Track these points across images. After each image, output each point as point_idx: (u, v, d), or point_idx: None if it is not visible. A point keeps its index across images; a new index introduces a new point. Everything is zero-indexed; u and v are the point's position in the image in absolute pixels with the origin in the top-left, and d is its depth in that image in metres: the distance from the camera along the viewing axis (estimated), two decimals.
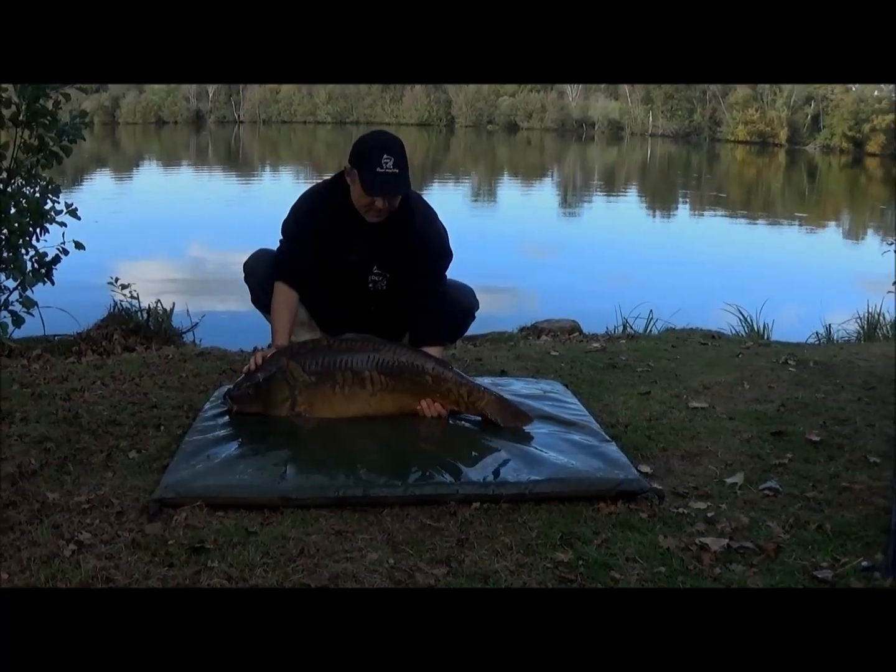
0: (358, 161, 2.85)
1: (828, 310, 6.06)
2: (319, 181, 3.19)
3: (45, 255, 3.10)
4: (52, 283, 3.11)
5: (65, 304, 4.62)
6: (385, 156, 2.78)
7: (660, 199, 21.64)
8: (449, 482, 2.34)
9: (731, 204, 19.97)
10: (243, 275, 3.17)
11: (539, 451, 2.55)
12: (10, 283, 3.03)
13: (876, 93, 48.53)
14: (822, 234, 15.91)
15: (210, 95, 63.34)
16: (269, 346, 3.00)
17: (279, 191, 18.30)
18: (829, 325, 5.59)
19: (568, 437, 2.67)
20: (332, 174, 3.11)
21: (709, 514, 2.26)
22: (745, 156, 43.70)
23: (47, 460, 2.49)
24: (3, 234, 2.95)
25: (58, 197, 3.13)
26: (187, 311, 5.07)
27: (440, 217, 3.07)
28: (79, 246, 3.14)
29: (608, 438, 2.68)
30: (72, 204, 3.16)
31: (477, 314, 3.26)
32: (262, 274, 3.07)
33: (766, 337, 5.29)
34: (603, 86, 58.84)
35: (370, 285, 3.01)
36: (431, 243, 3.01)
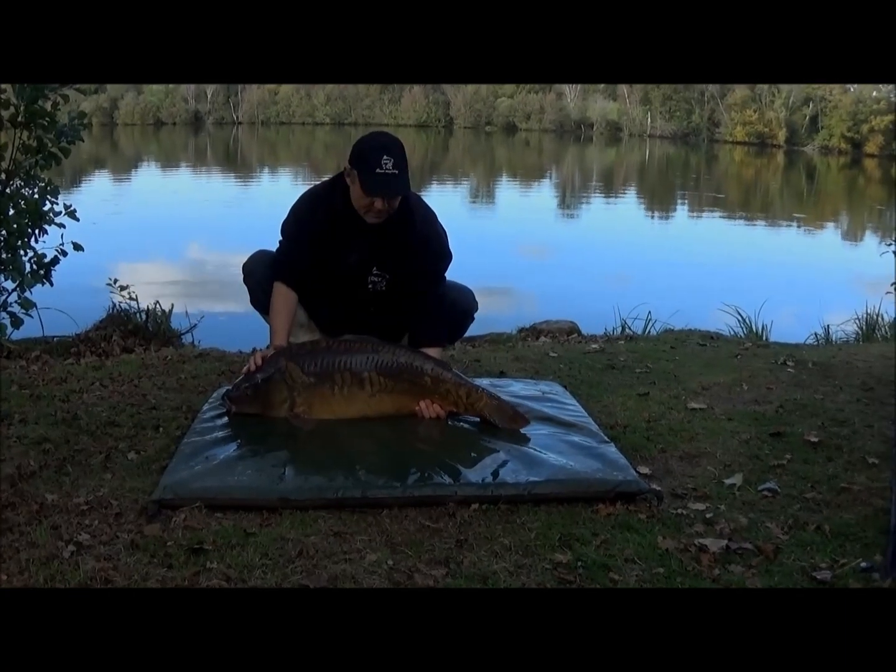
0: (357, 162, 2.85)
1: (826, 311, 6.06)
2: (318, 182, 3.19)
3: (44, 256, 3.09)
4: (51, 285, 3.10)
5: (63, 306, 4.62)
6: (385, 156, 2.78)
7: (658, 200, 21.66)
8: (448, 483, 2.34)
9: (729, 205, 19.99)
10: (242, 276, 3.17)
11: (538, 452, 2.55)
12: (9, 285, 3.03)
13: (874, 93, 48.63)
14: (821, 234, 15.93)
15: (208, 97, 63.36)
16: (268, 347, 3.00)
17: (278, 192, 18.33)
18: (828, 325, 5.60)
19: (567, 439, 2.67)
20: (331, 175, 3.11)
21: (707, 516, 2.26)
22: (743, 157, 43.75)
23: (46, 462, 2.49)
24: (2, 236, 2.94)
25: (56, 198, 3.12)
26: (186, 312, 5.07)
27: (439, 218, 3.07)
28: (77, 247, 3.14)
29: (607, 439, 2.68)
30: (70, 205, 3.16)
31: (476, 315, 3.26)
32: (261, 275, 3.07)
33: (764, 338, 5.29)
34: (601, 87, 58.96)
35: (370, 286, 3.01)
36: (431, 244, 3.01)
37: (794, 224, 16.97)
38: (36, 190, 3.09)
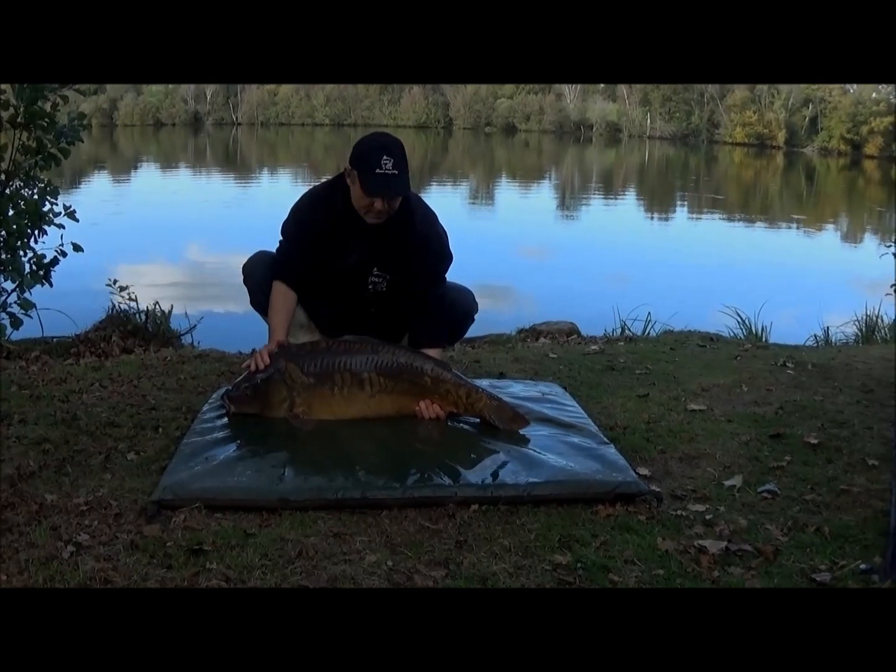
0: (358, 162, 2.85)
1: (826, 312, 6.06)
2: (318, 183, 3.19)
3: (44, 256, 3.09)
4: (51, 285, 3.10)
5: (63, 306, 4.61)
6: (385, 157, 2.78)
7: (658, 202, 21.67)
8: (447, 484, 2.34)
9: (728, 206, 20.00)
10: (242, 277, 3.17)
11: (537, 453, 2.55)
12: (9, 285, 3.02)
13: (874, 95, 48.64)
14: (820, 236, 15.94)
15: (208, 97, 63.36)
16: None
17: (277, 193, 18.34)
18: (828, 327, 5.60)
19: (566, 440, 2.67)
20: (331, 176, 3.11)
21: (707, 517, 2.26)
22: (742, 158, 43.76)
23: (46, 462, 2.49)
24: (2, 236, 2.94)
25: (56, 199, 3.12)
26: (185, 312, 5.07)
27: (439, 219, 3.07)
28: (77, 248, 3.14)
29: (606, 441, 2.68)
30: (70, 206, 3.15)
31: (475, 316, 3.26)
32: (261, 276, 3.06)
33: (764, 339, 5.29)
34: (601, 87, 59.01)
35: (370, 287, 3.01)
36: (431, 245, 3.01)
37: (794, 225, 16.98)
38: (35, 190, 3.08)
